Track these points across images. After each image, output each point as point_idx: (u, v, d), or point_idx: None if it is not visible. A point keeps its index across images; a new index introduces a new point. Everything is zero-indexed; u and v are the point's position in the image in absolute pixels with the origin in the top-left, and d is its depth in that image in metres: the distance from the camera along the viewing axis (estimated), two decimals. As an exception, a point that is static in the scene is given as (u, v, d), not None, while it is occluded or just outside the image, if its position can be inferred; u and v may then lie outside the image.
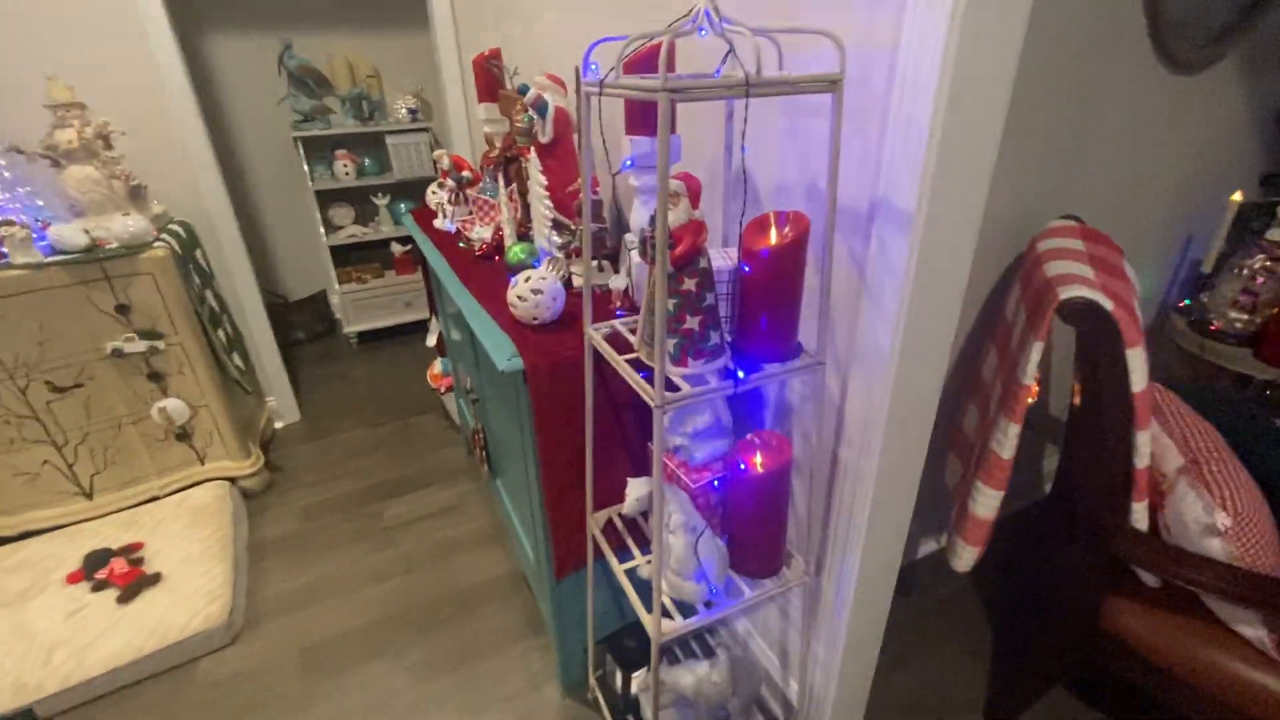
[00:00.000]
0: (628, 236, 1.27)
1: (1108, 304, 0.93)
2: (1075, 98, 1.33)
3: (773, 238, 0.81)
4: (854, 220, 0.87)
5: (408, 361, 3.08)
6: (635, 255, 1.11)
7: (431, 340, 2.20)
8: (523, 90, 1.32)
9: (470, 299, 1.25)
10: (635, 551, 1.11)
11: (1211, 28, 1.40)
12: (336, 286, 3.18)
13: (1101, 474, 1.05)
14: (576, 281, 1.25)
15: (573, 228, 1.28)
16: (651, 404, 0.79)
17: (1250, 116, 1.66)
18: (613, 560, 1.08)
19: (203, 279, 2.06)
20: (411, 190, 3.32)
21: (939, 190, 0.76)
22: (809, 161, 0.94)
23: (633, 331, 0.99)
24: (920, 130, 0.73)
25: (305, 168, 3.00)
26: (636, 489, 0.95)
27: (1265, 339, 1.48)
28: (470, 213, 1.62)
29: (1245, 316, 1.53)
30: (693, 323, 0.81)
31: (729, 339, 0.89)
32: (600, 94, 0.75)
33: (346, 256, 3.28)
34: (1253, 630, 0.99)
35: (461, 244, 1.52)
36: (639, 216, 1.11)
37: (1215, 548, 0.96)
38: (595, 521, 1.17)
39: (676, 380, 0.82)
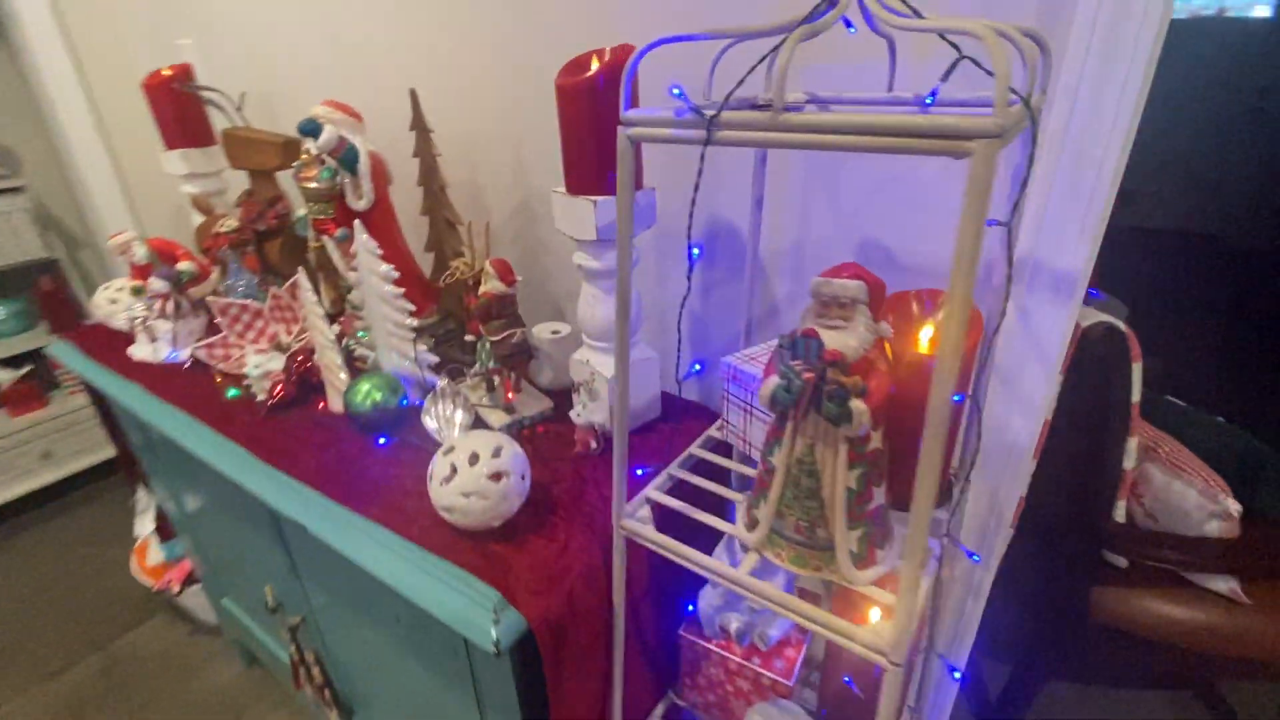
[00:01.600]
0: (542, 331, 0.87)
1: (1121, 324, 0.89)
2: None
3: (925, 338, 0.55)
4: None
5: (72, 547, 2.00)
6: (597, 369, 0.73)
7: (146, 525, 1.40)
8: (308, 130, 0.81)
9: (316, 500, 0.71)
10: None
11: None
12: (-111, 460, 1.92)
13: (1097, 480, 1.04)
14: (491, 419, 0.81)
15: (418, 327, 0.83)
16: (886, 663, 0.46)
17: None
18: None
19: None
20: (8, 284, 2.16)
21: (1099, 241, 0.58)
22: (858, 212, 0.69)
23: (671, 491, 0.63)
24: (1102, 165, 0.54)
25: None
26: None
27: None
28: (215, 330, 1.00)
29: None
30: (879, 496, 0.50)
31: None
32: (709, 140, 0.39)
33: (-103, 407, 2.00)
34: (1225, 584, 1.07)
35: (231, 391, 0.91)
36: (591, 313, 0.73)
37: (1214, 528, 1.01)
38: (626, 773, 0.77)
39: (868, 590, 0.51)
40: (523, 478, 0.63)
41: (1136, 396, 0.95)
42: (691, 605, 0.83)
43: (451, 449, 0.62)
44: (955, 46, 0.39)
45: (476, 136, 0.98)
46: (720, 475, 0.72)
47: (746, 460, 0.72)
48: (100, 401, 1.32)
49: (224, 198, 1.24)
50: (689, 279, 0.54)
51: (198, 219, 1.19)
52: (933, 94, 0.40)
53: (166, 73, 1.11)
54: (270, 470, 0.76)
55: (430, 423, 0.78)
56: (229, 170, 1.21)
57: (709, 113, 0.39)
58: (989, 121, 0.31)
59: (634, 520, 0.60)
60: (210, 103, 1.06)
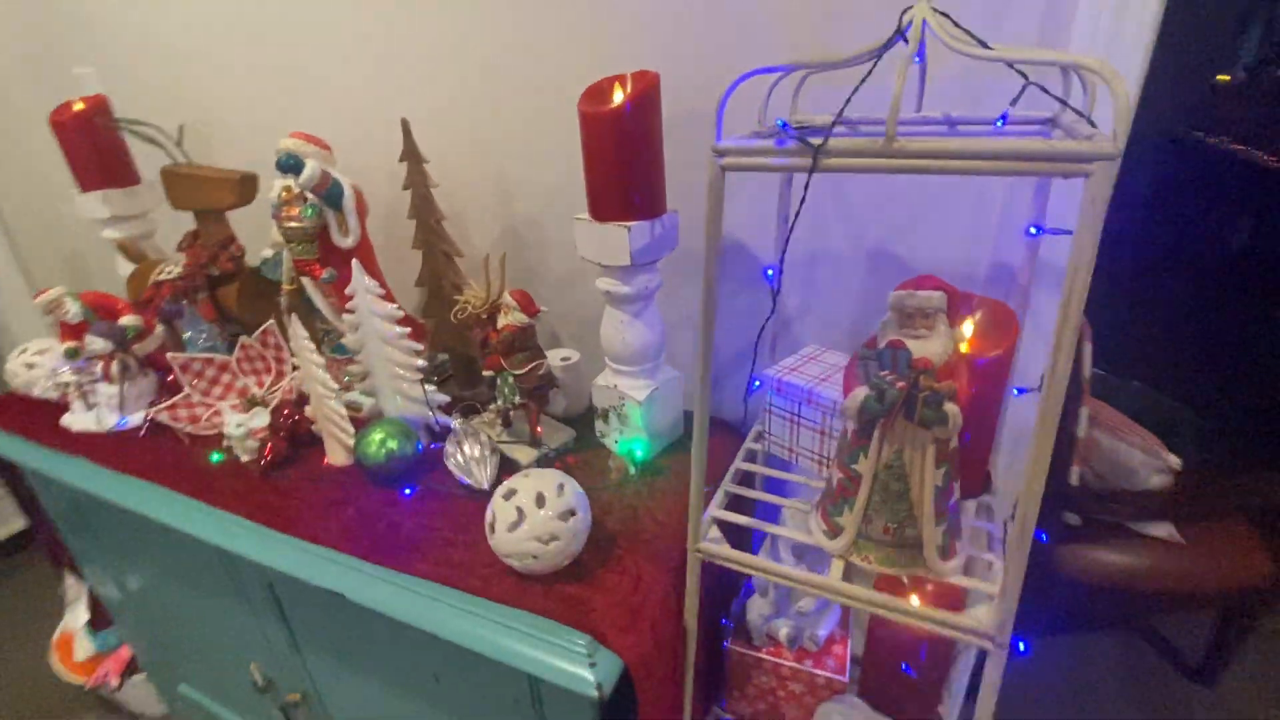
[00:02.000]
0: (552, 358, 0.85)
1: (1075, 307, 0.99)
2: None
3: (967, 336, 0.59)
4: (964, 283, 0.71)
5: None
6: (627, 394, 0.73)
7: (79, 616, 1.23)
8: (288, 166, 0.76)
9: (348, 564, 0.66)
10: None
11: None
12: None
13: (1057, 448, 1.15)
14: (517, 454, 0.78)
15: (425, 360, 0.80)
16: (991, 646, 0.49)
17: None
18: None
19: None
20: None
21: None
22: (869, 223, 0.73)
23: (728, 507, 0.64)
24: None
25: None
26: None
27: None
28: (170, 390, 0.90)
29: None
30: (957, 491, 0.54)
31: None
32: (814, 167, 0.41)
33: None
34: (1164, 529, 1.21)
35: (215, 455, 0.82)
36: (619, 337, 0.73)
37: (1157, 482, 1.14)
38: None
39: (957, 580, 0.54)
40: (587, 512, 0.62)
41: (1088, 372, 1.06)
42: (724, 619, 0.84)
43: (513, 492, 0.59)
44: (1023, 75, 0.43)
45: (454, 164, 0.95)
46: (749, 485, 0.74)
47: (774, 465, 0.73)
48: (13, 480, 1.15)
49: (153, 241, 1.12)
50: (774, 300, 0.55)
51: (125, 266, 1.06)
52: (1003, 118, 0.44)
53: (79, 106, 1.00)
54: (285, 539, 0.70)
55: (456, 465, 0.74)
56: (156, 211, 1.10)
57: (815, 141, 0.40)
58: (1109, 145, 0.34)
59: (708, 542, 0.60)
60: (147, 138, 0.96)
